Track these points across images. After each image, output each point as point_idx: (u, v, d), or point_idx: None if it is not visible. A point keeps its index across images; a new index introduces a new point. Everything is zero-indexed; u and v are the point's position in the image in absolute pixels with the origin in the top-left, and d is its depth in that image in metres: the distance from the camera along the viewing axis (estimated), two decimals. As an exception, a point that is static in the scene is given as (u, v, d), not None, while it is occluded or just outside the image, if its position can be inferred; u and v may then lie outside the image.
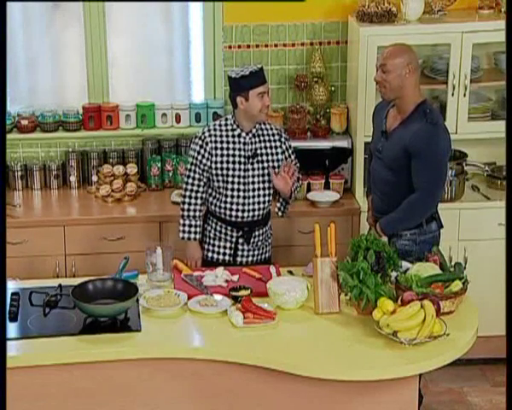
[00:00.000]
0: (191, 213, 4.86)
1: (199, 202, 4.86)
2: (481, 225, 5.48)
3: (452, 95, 5.47)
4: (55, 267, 5.40)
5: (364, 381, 3.85)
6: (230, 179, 4.78)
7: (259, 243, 4.93)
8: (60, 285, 4.36)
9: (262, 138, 4.83)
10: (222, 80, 5.86)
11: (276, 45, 5.84)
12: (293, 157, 4.93)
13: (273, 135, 4.87)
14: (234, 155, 4.78)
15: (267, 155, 4.83)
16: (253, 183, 4.80)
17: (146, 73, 6.01)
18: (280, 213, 5.02)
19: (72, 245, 5.41)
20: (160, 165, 5.79)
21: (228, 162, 4.78)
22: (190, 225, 4.87)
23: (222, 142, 4.78)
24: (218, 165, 4.78)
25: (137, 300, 4.21)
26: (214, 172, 4.79)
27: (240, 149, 4.78)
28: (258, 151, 4.81)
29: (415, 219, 4.68)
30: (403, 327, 3.87)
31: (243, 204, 4.81)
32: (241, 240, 4.89)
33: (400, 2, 5.53)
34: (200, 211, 4.89)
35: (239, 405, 4.03)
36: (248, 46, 5.83)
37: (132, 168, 5.81)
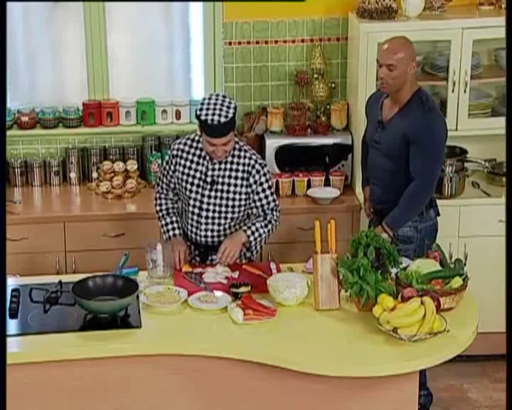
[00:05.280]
0: (164, 212, 4.77)
1: (169, 201, 4.77)
2: (481, 221, 5.48)
3: (453, 91, 5.47)
4: (56, 264, 5.40)
5: (364, 377, 3.85)
6: (187, 199, 4.66)
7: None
8: (60, 282, 4.35)
9: (228, 167, 4.56)
10: (222, 77, 5.85)
11: (276, 42, 5.83)
12: (262, 195, 4.58)
13: (243, 165, 4.54)
14: (194, 177, 4.60)
15: (229, 185, 4.56)
16: (208, 210, 4.60)
17: (146, 69, 6.00)
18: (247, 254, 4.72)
19: (72, 242, 5.41)
20: (160, 161, 5.78)
21: (186, 182, 4.62)
22: (167, 224, 4.76)
23: (186, 159, 4.62)
24: (179, 181, 4.66)
25: (138, 296, 4.21)
26: (177, 186, 4.69)
27: (201, 172, 4.58)
28: (220, 179, 4.56)
29: (417, 206, 4.76)
30: (403, 324, 3.86)
31: (196, 227, 4.67)
32: (198, 258, 4.77)
33: (400, -2, 5.54)
34: (172, 208, 4.79)
35: (239, 401, 4.03)
36: (248, 42, 5.82)
37: (132, 165, 5.80)
